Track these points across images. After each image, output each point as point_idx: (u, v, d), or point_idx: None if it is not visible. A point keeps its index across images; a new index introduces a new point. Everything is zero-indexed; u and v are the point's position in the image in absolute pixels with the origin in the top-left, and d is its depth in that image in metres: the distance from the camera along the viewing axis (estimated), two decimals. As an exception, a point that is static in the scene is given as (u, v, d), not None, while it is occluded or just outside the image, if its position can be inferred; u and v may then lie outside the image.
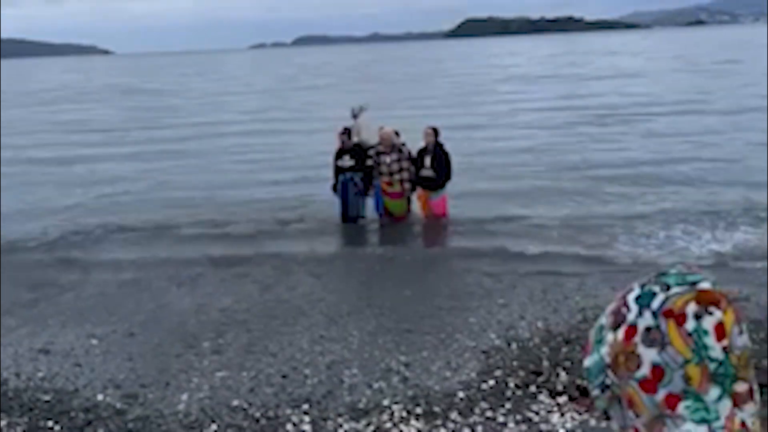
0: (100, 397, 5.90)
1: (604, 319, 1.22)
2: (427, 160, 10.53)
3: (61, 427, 5.43)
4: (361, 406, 5.56)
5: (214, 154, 19.11)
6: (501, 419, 5.27)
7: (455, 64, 76.10)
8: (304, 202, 12.66)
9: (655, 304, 1.14)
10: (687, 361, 1.11)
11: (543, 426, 5.14)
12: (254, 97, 41.32)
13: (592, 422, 5.13)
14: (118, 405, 5.76)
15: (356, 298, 7.98)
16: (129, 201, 13.37)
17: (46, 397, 5.92)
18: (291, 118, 26.49)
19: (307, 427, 5.30)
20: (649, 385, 1.13)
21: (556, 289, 7.98)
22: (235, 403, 5.70)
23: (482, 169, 15.09)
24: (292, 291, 8.25)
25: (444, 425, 5.22)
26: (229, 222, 11.60)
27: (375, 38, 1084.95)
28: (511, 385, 5.77)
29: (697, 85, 33.20)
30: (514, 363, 6.16)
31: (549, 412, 5.32)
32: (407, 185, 10.61)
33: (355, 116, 11.47)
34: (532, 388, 5.67)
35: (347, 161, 10.68)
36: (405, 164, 10.55)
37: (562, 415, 5.25)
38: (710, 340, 1.11)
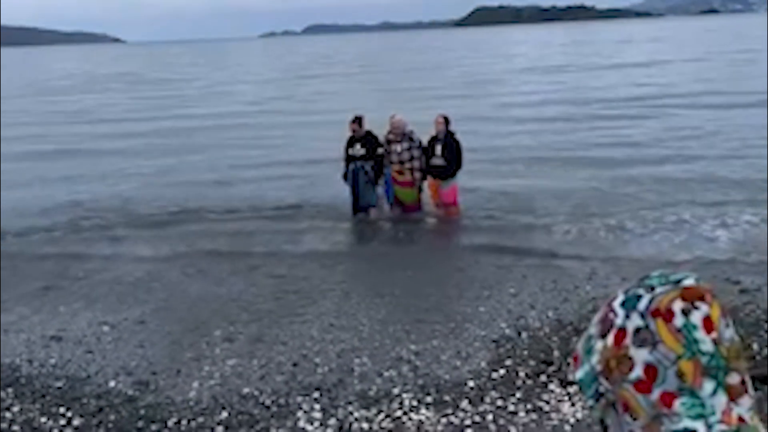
0: (111, 384, 5.94)
1: (592, 329, 1.22)
2: (438, 149, 10.48)
3: (73, 414, 5.47)
4: (371, 394, 5.57)
5: (224, 146, 18.99)
6: (511, 408, 5.26)
7: (467, 54, 75.79)
8: (314, 193, 12.62)
9: (642, 305, 1.14)
10: (679, 357, 1.11)
11: (553, 415, 5.13)
12: (265, 87, 41.29)
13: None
14: (130, 392, 5.79)
15: (366, 288, 7.98)
16: (138, 193, 13.33)
17: (58, 384, 5.97)
18: (300, 110, 26.40)
19: (317, 414, 5.31)
20: (644, 385, 1.12)
21: (566, 278, 7.96)
22: (246, 390, 5.72)
23: (493, 161, 15.04)
24: (302, 281, 8.26)
25: (454, 414, 5.22)
26: (238, 213, 11.58)
27: (385, 27, 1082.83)
28: (522, 374, 5.77)
29: (717, 76, 32.88)
30: (525, 352, 6.15)
31: (559, 401, 5.31)
32: (418, 174, 10.57)
33: None
34: (543, 378, 5.66)
35: (358, 150, 10.63)
36: (416, 153, 10.51)
37: (573, 404, 5.24)
38: (700, 333, 1.11)
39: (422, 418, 5.20)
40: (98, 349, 6.62)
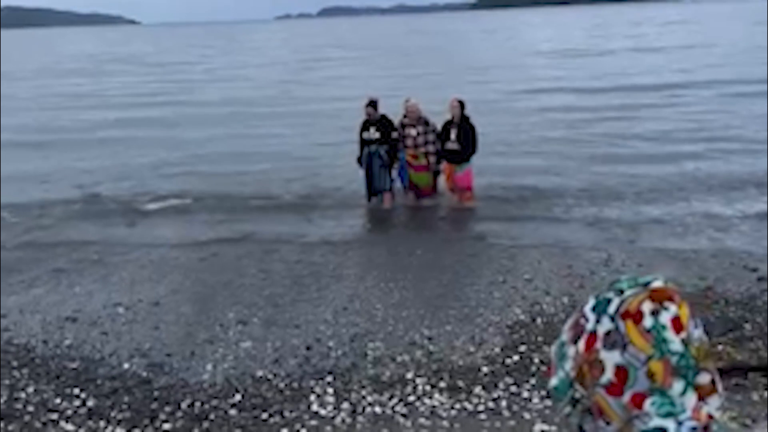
0: (126, 365, 5.97)
1: (564, 336, 1.24)
2: (453, 133, 10.41)
3: (87, 395, 5.51)
4: (384, 378, 5.57)
5: (238, 131, 18.93)
6: (525, 395, 5.25)
7: (484, 36, 75.27)
8: (328, 178, 12.58)
9: (612, 308, 1.16)
10: (649, 358, 1.12)
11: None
12: (281, 69, 41.20)
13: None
14: (144, 374, 5.83)
15: (380, 273, 7.96)
16: (152, 179, 13.33)
17: (73, 365, 6.01)
18: (315, 97, 26.22)
19: (330, 398, 5.32)
20: (615, 388, 1.14)
21: (581, 264, 7.91)
22: (260, 373, 5.74)
23: (509, 145, 14.94)
24: (316, 266, 8.25)
25: (468, 399, 5.21)
26: (253, 200, 11.56)
27: (400, 9, 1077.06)
28: (536, 360, 5.74)
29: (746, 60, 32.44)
30: (539, 338, 6.12)
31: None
32: (432, 158, 10.52)
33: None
34: (557, 364, 5.62)
35: (373, 134, 10.57)
36: (431, 137, 10.44)
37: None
38: (669, 333, 1.12)
39: (435, 403, 5.19)
40: (113, 330, 6.66)
